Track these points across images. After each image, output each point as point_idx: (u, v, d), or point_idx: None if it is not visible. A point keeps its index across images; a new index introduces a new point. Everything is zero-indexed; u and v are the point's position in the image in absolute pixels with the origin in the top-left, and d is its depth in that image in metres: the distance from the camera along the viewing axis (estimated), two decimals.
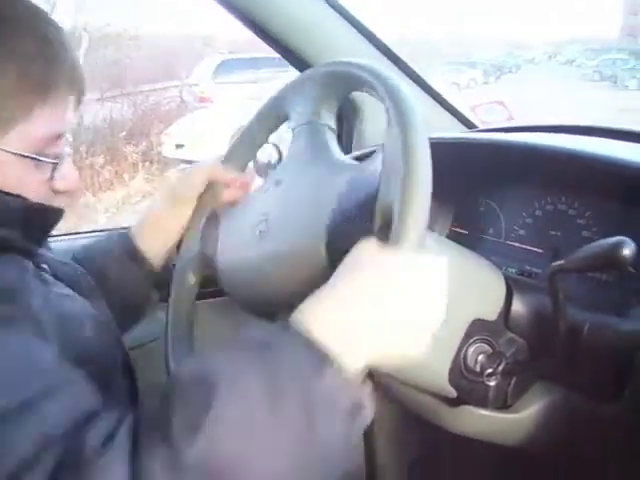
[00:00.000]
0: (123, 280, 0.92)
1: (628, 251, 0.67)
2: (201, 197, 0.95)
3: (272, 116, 0.93)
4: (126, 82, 8.28)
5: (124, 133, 7.70)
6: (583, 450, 0.87)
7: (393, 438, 1.27)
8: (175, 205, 0.95)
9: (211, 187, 0.95)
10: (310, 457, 0.49)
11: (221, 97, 8.96)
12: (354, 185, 0.75)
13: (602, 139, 1.03)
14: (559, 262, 0.75)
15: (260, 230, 0.82)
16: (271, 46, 1.28)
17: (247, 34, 1.28)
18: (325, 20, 1.25)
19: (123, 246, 0.94)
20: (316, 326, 0.52)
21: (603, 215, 0.91)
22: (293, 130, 0.87)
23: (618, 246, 0.67)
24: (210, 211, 0.95)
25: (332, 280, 0.59)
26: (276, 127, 0.95)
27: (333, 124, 0.86)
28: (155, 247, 0.95)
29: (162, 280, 0.95)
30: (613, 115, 10.58)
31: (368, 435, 1.30)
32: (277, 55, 1.30)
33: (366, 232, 0.64)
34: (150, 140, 8.10)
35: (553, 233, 0.97)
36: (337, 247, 0.70)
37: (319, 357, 0.50)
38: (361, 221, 0.69)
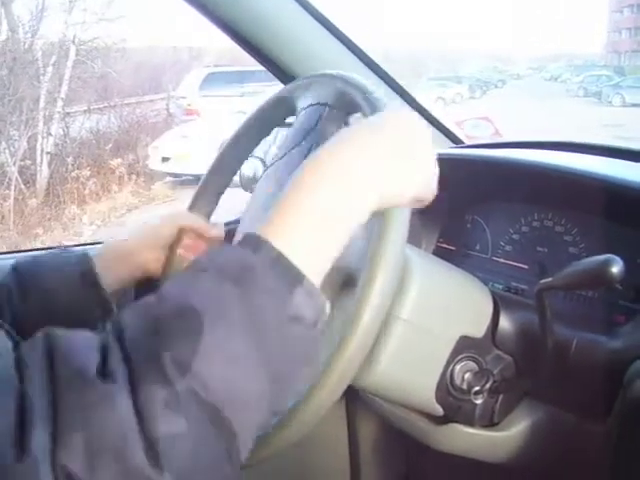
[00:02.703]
0: (72, 302, 0.85)
1: (616, 269, 0.66)
2: (172, 247, 0.91)
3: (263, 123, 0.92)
4: (113, 94, 8.27)
5: (110, 145, 7.69)
6: (570, 468, 0.87)
7: (379, 455, 1.26)
8: (144, 249, 0.91)
9: (182, 236, 0.91)
10: (284, 370, 0.52)
11: (208, 110, 8.97)
12: None
13: (588, 156, 1.03)
14: (547, 279, 0.75)
15: None
16: (257, 59, 1.28)
17: (233, 47, 1.28)
18: (311, 33, 1.25)
19: (80, 267, 0.87)
20: (285, 247, 0.54)
21: (590, 232, 0.91)
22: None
23: (606, 264, 0.67)
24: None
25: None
26: (267, 133, 0.94)
27: None
28: (114, 278, 0.89)
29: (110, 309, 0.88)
30: (597, 130, 10.68)
31: (354, 452, 1.29)
32: (263, 68, 1.30)
33: None
34: (136, 153, 8.08)
35: (540, 249, 0.97)
36: None
37: (290, 278, 0.53)
38: None
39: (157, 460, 0.45)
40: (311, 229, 0.56)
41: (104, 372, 0.47)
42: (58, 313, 0.82)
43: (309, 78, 0.78)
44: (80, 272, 0.86)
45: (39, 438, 0.44)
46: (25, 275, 0.85)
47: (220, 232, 0.92)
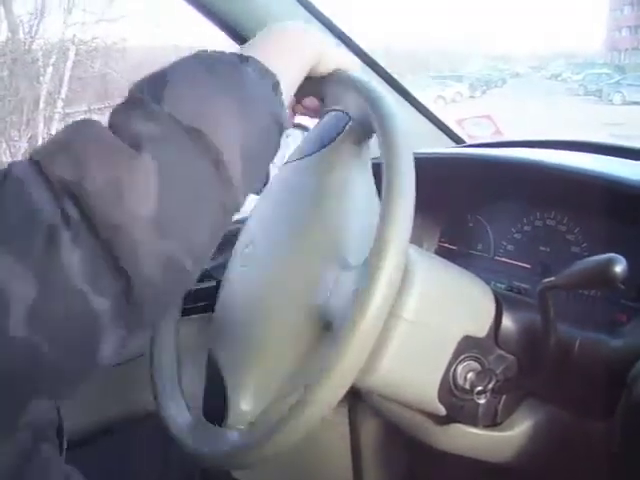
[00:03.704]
0: None
1: (619, 268, 0.66)
2: None
3: None
4: (113, 95, 8.26)
5: None
6: (573, 468, 0.87)
7: (382, 456, 1.26)
8: None
9: None
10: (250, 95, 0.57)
11: None
12: None
13: (591, 154, 1.03)
14: (550, 279, 0.74)
15: (246, 252, 0.82)
16: None
17: (234, 46, 1.28)
18: None
19: None
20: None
21: (592, 231, 0.91)
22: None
23: (609, 263, 0.67)
24: None
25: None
26: None
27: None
28: None
29: None
30: (598, 129, 10.67)
31: (356, 453, 1.29)
32: None
33: None
34: None
35: (542, 249, 0.97)
36: None
37: (240, 56, 0.59)
38: None
39: (139, 147, 0.48)
40: (275, 54, 0.63)
41: None
42: None
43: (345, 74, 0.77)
44: None
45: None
46: None
47: None
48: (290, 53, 0.67)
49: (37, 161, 0.47)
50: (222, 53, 0.58)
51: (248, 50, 0.62)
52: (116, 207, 0.46)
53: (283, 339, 0.75)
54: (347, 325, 0.61)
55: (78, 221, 0.45)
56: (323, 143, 0.78)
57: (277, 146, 0.61)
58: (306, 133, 0.89)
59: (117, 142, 0.48)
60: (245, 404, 0.75)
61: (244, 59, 0.58)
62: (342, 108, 0.77)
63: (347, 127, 0.76)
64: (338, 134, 0.77)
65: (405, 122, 0.67)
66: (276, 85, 0.60)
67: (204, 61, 0.57)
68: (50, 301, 0.44)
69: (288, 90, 0.64)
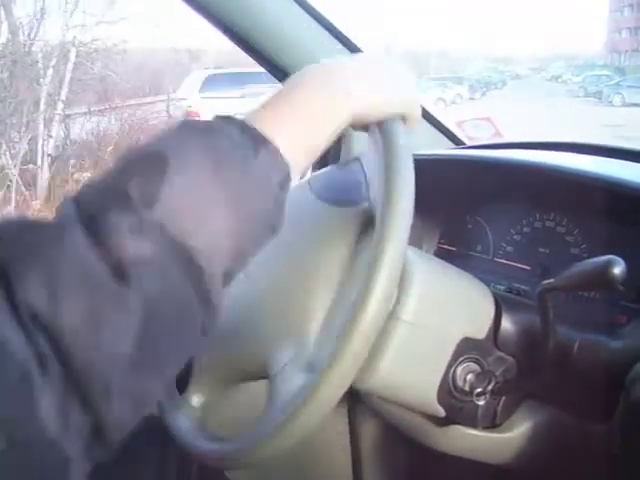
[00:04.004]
0: None
1: (618, 270, 0.66)
2: None
3: None
4: (113, 96, 8.28)
5: (111, 148, 7.69)
6: (572, 470, 0.87)
7: (381, 458, 1.26)
8: None
9: None
10: (250, 209, 0.53)
11: (208, 112, 8.97)
12: None
13: (590, 156, 1.03)
14: (549, 280, 0.74)
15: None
16: (257, 60, 1.27)
17: (232, 49, 1.28)
18: (311, 34, 1.25)
19: None
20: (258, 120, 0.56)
21: (592, 232, 0.91)
22: None
23: (609, 265, 0.67)
24: None
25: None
26: None
27: None
28: None
29: None
30: (598, 130, 10.68)
31: (356, 455, 1.29)
32: (263, 70, 1.30)
33: None
34: None
35: (541, 250, 0.97)
36: None
37: (257, 138, 0.54)
38: None
39: (123, 277, 0.44)
40: (294, 121, 0.58)
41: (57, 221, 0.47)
42: None
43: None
44: None
45: None
46: None
47: None
48: (317, 121, 0.59)
49: (3, 273, 0.42)
50: (234, 136, 0.53)
51: (272, 118, 0.57)
52: (92, 346, 0.42)
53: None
54: (346, 327, 0.61)
55: (50, 360, 0.41)
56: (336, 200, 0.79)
57: (262, 248, 0.57)
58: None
59: (100, 268, 0.43)
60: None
61: (258, 147, 0.53)
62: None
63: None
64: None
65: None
66: (285, 180, 0.56)
67: (212, 151, 0.51)
68: (20, 449, 0.41)
69: (301, 169, 0.60)
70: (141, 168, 0.49)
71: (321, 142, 0.60)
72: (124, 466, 1.15)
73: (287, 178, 0.56)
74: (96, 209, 0.46)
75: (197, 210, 0.49)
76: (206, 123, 0.54)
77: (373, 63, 0.67)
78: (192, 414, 0.81)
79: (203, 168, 0.50)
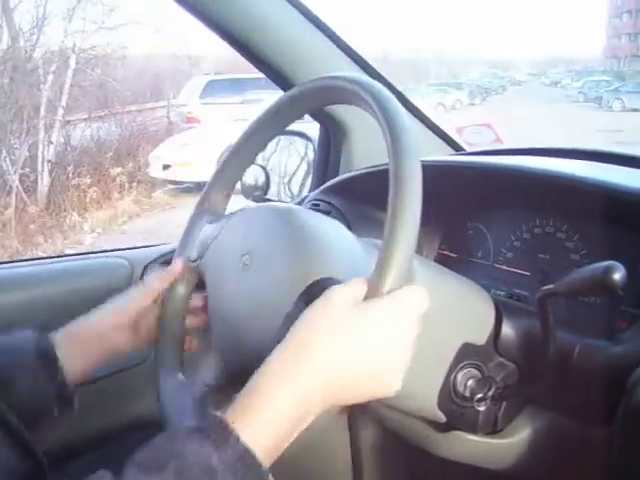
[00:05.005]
0: (30, 390, 0.78)
1: (618, 276, 0.66)
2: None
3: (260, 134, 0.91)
4: (113, 102, 8.29)
5: (111, 153, 7.70)
6: (573, 475, 0.87)
7: (382, 463, 1.26)
8: (113, 330, 0.85)
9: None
10: None
11: (208, 118, 8.98)
12: None
13: (590, 162, 1.03)
14: (549, 286, 0.75)
15: (244, 263, 0.81)
16: (256, 66, 1.28)
17: (233, 54, 1.28)
18: (310, 40, 1.25)
19: (38, 353, 0.80)
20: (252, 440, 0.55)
21: (591, 238, 0.91)
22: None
23: (609, 271, 0.67)
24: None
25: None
26: (264, 146, 0.93)
27: None
28: (79, 368, 0.83)
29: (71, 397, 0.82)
30: (597, 136, 10.69)
31: (356, 460, 1.29)
32: (263, 76, 1.30)
33: None
34: (137, 161, 8.09)
35: (541, 256, 0.97)
36: None
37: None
38: None
39: None
40: (279, 420, 0.57)
41: None
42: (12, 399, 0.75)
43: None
44: (41, 360, 0.80)
45: None
46: None
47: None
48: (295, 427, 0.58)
49: None
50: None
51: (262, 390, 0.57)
52: None
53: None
54: None
55: None
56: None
57: None
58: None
59: None
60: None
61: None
62: None
63: None
64: None
65: (416, 135, 0.67)
66: None
67: None
68: None
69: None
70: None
71: (294, 434, 0.59)
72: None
73: None
74: None
75: None
76: (201, 468, 0.53)
77: (376, 332, 0.62)
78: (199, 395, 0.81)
79: None
